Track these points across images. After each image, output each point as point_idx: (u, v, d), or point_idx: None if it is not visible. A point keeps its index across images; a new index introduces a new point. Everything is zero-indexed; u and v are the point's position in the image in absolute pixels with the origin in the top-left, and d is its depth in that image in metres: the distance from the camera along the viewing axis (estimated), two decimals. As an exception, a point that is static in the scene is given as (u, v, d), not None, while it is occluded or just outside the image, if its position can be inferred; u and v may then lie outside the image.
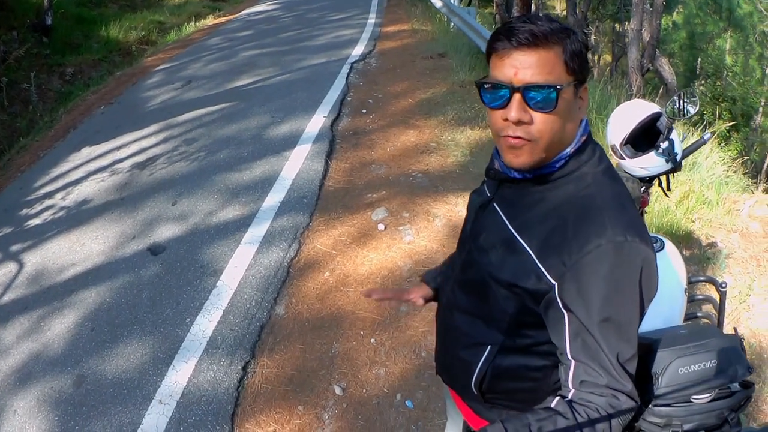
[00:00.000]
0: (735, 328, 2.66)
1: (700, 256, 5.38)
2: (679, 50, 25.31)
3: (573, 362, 1.70)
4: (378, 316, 4.70)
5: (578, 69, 1.68)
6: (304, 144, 7.73)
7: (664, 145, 3.42)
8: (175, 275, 5.29)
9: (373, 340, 4.48)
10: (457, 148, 7.64)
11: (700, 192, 6.43)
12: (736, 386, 1.99)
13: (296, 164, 7.16)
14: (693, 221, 5.88)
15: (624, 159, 3.51)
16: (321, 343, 4.45)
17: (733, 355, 1.97)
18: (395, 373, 4.23)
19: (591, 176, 1.76)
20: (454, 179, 6.92)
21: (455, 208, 6.23)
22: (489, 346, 1.94)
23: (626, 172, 3.60)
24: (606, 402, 1.66)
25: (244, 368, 4.25)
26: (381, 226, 5.86)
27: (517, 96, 1.65)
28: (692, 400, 1.96)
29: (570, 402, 1.70)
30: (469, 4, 15.89)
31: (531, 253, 1.73)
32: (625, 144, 3.47)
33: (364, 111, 8.97)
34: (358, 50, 12.13)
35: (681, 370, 1.94)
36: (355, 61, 11.30)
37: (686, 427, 1.95)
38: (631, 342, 1.70)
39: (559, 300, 1.67)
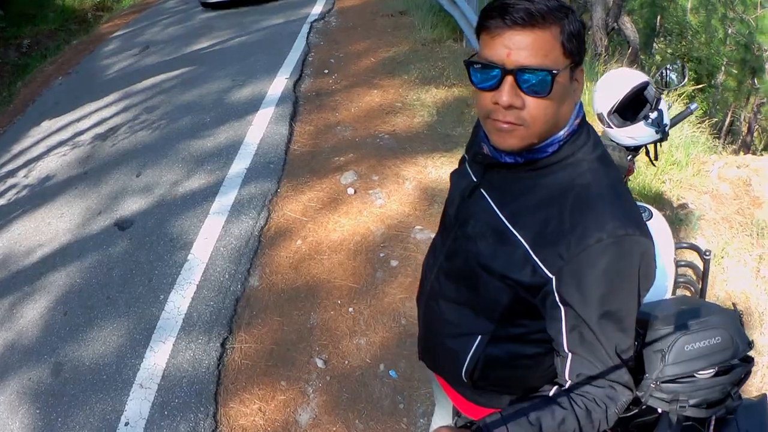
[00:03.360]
0: (734, 304, 2.67)
1: (672, 218, 5.35)
2: (639, 7, 25.24)
3: (570, 355, 1.67)
4: (354, 284, 4.62)
5: (575, 51, 1.57)
6: (267, 107, 7.56)
7: (653, 115, 3.36)
8: (144, 250, 5.14)
9: (351, 309, 4.40)
10: (423, 108, 7.50)
11: (669, 153, 6.40)
12: (736, 361, 2.01)
13: (260, 129, 7.00)
14: (663, 182, 5.85)
15: (611, 128, 3.45)
16: (298, 314, 4.35)
17: (735, 331, 2.01)
18: (376, 342, 4.16)
19: (587, 163, 1.68)
20: (422, 140, 6.80)
21: (425, 170, 6.12)
22: (479, 336, 1.89)
23: (612, 141, 3.52)
24: (603, 393, 1.65)
25: (223, 345, 4.14)
26: (351, 190, 5.74)
27: (509, 79, 1.55)
28: (697, 376, 2.00)
29: (568, 392, 1.68)
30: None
31: (525, 244, 1.65)
32: (612, 113, 3.39)
33: (326, 71, 8.78)
34: (317, 9, 11.87)
35: (687, 348, 1.96)
36: (315, 21, 11.05)
37: (691, 402, 1.99)
38: (628, 333, 1.67)
39: (556, 294, 1.62)
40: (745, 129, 17.24)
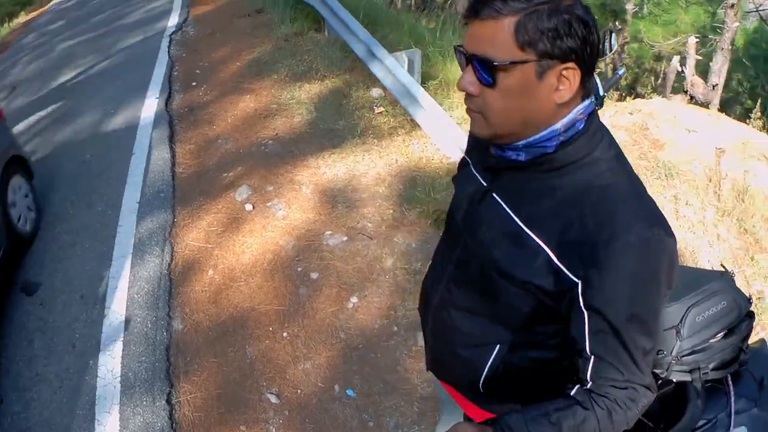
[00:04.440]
0: (723, 265, 2.75)
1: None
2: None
3: (592, 357, 1.63)
4: (280, 306, 4.50)
5: (544, 46, 1.49)
6: (143, 132, 7.21)
7: (589, 85, 3.35)
8: (59, 314, 4.78)
9: (285, 333, 4.28)
10: (300, 106, 7.38)
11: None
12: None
13: (142, 157, 6.66)
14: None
15: None
16: (233, 350, 4.19)
17: (734, 291, 2.10)
18: (322, 363, 4.07)
19: (605, 163, 1.63)
20: (307, 140, 6.69)
21: (319, 171, 6.05)
22: (498, 346, 1.84)
23: None
24: (625, 395, 1.62)
25: (169, 401, 3.92)
26: (249, 206, 5.59)
27: (469, 66, 1.58)
28: (711, 342, 2.08)
29: (589, 393, 1.64)
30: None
31: (546, 249, 1.61)
32: None
33: (194, 84, 8.49)
34: (173, 21, 11.38)
35: (698, 318, 2.03)
36: (173, 33, 10.61)
37: (711, 366, 2.06)
38: (652, 335, 1.64)
39: (581, 298, 1.58)
40: (609, 72, 17.72)
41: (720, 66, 13.63)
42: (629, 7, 21.17)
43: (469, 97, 1.61)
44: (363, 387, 3.90)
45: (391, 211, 5.54)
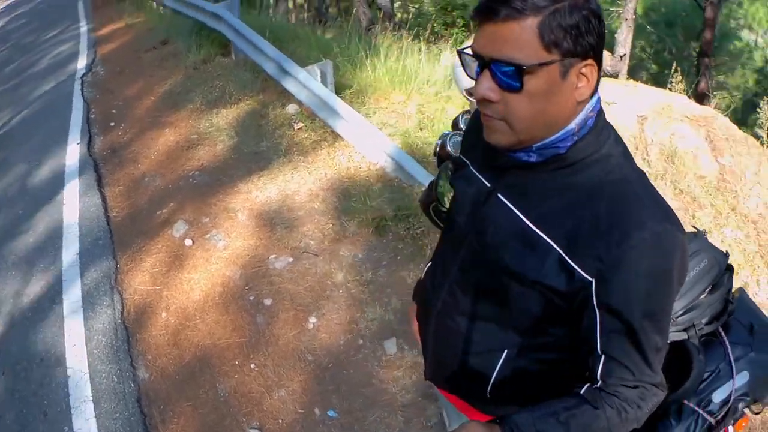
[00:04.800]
0: (694, 226, 2.89)
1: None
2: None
3: (603, 356, 1.59)
4: (241, 338, 4.45)
5: (568, 44, 1.43)
6: (71, 180, 7.04)
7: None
8: (22, 382, 4.56)
9: (252, 365, 4.23)
10: (220, 133, 7.33)
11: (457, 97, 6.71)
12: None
13: (74, 206, 6.50)
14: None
15: None
16: (205, 391, 4.11)
17: (711, 248, 2.18)
18: (296, 389, 4.04)
19: (614, 158, 1.59)
20: (233, 166, 6.65)
21: (251, 196, 6.02)
22: (505, 351, 1.78)
23: None
24: (636, 394, 1.59)
25: (151, 455, 3.79)
26: (188, 242, 5.52)
27: (486, 72, 1.48)
28: (700, 298, 2.16)
29: (599, 391, 1.61)
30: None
31: (558, 249, 1.56)
32: None
33: (113, 124, 8.36)
34: (82, 62, 11.20)
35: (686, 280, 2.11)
36: (83, 75, 10.43)
37: (704, 321, 2.13)
38: (665, 333, 1.61)
39: (594, 297, 1.54)
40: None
41: (625, 36, 14.05)
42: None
43: (485, 104, 1.52)
44: (343, 405, 3.90)
45: (331, 225, 5.55)
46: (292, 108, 7.51)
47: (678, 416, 2.16)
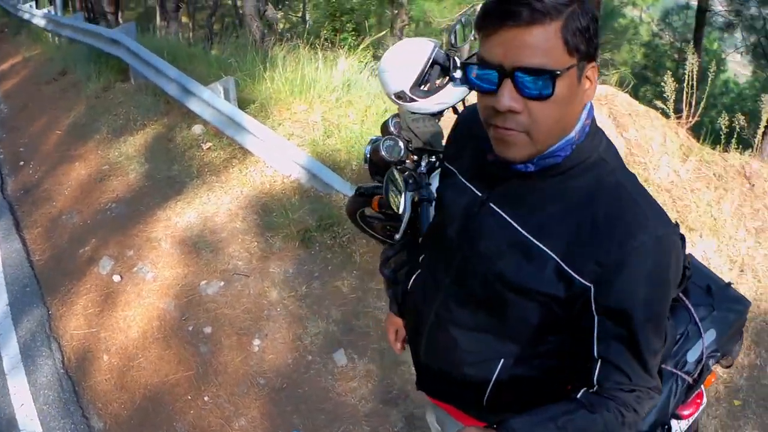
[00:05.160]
0: None
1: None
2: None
3: (600, 361, 1.57)
4: (188, 371, 4.38)
5: (583, 47, 1.39)
6: (-14, 227, 6.61)
7: (458, 74, 3.35)
8: None
9: (206, 397, 4.17)
10: (131, 161, 7.16)
11: (376, 105, 6.79)
12: None
13: (-7, 252, 6.13)
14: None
15: (416, 101, 3.42)
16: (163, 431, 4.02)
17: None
18: (256, 415, 4.02)
19: (608, 163, 1.57)
20: (149, 194, 6.52)
21: (171, 222, 5.93)
22: (502, 360, 1.74)
23: (416, 113, 3.51)
24: (633, 398, 1.57)
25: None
26: (116, 278, 5.38)
27: (507, 81, 1.39)
28: None
29: (596, 395, 1.59)
30: (68, 8, 14.89)
31: (556, 257, 1.52)
32: (415, 86, 3.38)
33: (22, 163, 8.05)
34: (-20, 102, 10.56)
35: None
36: (-15, 114, 9.84)
37: None
38: (662, 334, 1.59)
39: (593, 302, 1.51)
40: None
41: None
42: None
43: (507, 116, 1.43)
44: (307, 424, 3.90)
45: (256, 243, 5.52)
46: (198, 128, 7.40)
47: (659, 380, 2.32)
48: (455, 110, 3.67)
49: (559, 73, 1.36)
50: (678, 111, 6.33)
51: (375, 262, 5.20)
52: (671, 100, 5.99)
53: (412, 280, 2.10)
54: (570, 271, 1.51)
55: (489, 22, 1.39)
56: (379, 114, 6.75)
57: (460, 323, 1.79)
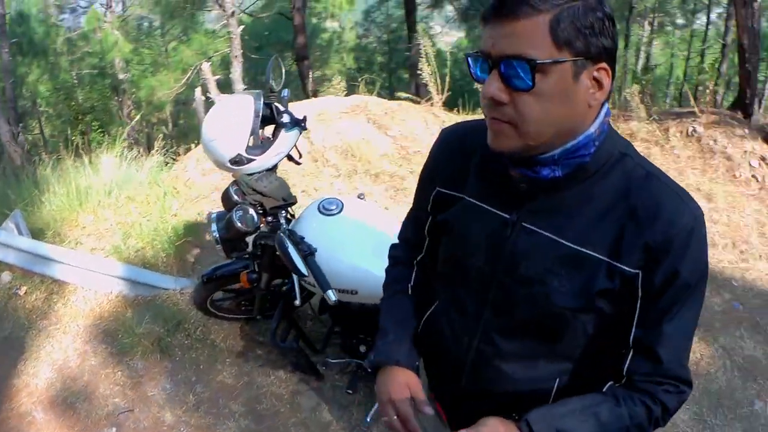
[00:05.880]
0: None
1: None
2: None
3: (633, 348, 1.60)
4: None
5: (580, 45, 1.40)
6: None
7: (286, 118, 3.35)
8: None
9: None
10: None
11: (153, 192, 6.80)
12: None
13: None
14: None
15: (255, 160, 3.36)
16: None
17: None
18: None
19: (630, 158, 1.58)
20: None
21: (31, 387, 5.78)
22: (557, 380, 1.73)
23: (251, 174, 3.42)
24: (661, 391, 1.59)
25: None
26: None
27: (494, 71, 1.43)
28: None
29: (623, 388, 1.63)
30: None
31: (606, 258, 1.54)
32: (250, 146, 3.31)
33: None
34: None
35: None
36: None
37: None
38: (697, 317, 1.61)
39: (639, 288, 1.54)
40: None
41: (238, 72, 14.69)
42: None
43: (493, 106, 1.47)
44: None
45: (119, 372, 5.53)
46: (5, 276, 7.18)
47: None
48: (290, 157, 3.62)
49: (540, 62, 1.37)
50: (426, 94, 6.63)
51: (241, 341, 5.32)
52: (413, 87, 6.45)
53: (422, 324, 1.99)
54: (619, 265, 1.52)
55: (487, 13, 1.40)
56: (159, 198, 6.79)
57: (509, 355, 1.73)
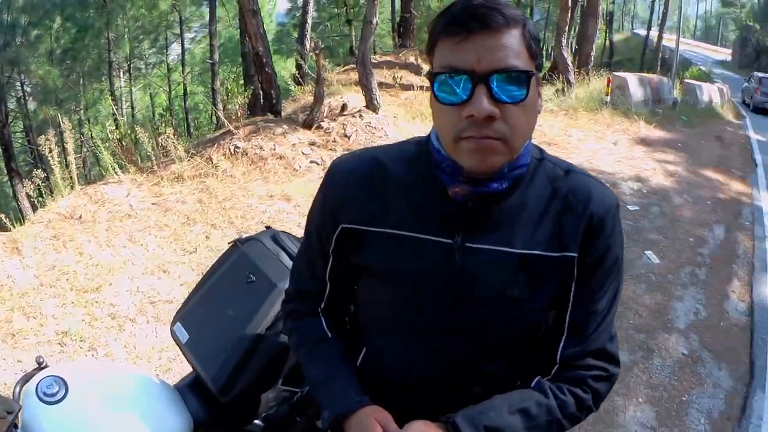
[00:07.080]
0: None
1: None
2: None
3: (567, 330, 1.58)
4: None
5: (537, 56, 1.40)
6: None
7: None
8: None
9: None
10: None
11: None
12: None
13: None
14: None
15: None
16: None
17: None
18: None
19: (545, 160, 1.58)
20: None
21: None
22: (538, 377, 1.62)
23: None
24: (590, 377, 1.58)
25: None
26: None
27: (481, 87, 1.32)
28: None
29: (553, 381, 1.58)
30: None
31: (554, 253, 1.51)
32: None
33: None
34: None
35: None
36: None
37: None
38: (618, 299, 1.64)
39: (575, 269, 1.53)
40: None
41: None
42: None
43: (484, 124, 1.34)
44: None
45: None
46: None
47: None
48: None
49: (532, 73, 1.35)
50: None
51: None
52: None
53: (382, 374, 1.68)
54: (568, 254, 1.51)
55: (458, 28, 1.31)
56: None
57: (485, 378, 1.62)
